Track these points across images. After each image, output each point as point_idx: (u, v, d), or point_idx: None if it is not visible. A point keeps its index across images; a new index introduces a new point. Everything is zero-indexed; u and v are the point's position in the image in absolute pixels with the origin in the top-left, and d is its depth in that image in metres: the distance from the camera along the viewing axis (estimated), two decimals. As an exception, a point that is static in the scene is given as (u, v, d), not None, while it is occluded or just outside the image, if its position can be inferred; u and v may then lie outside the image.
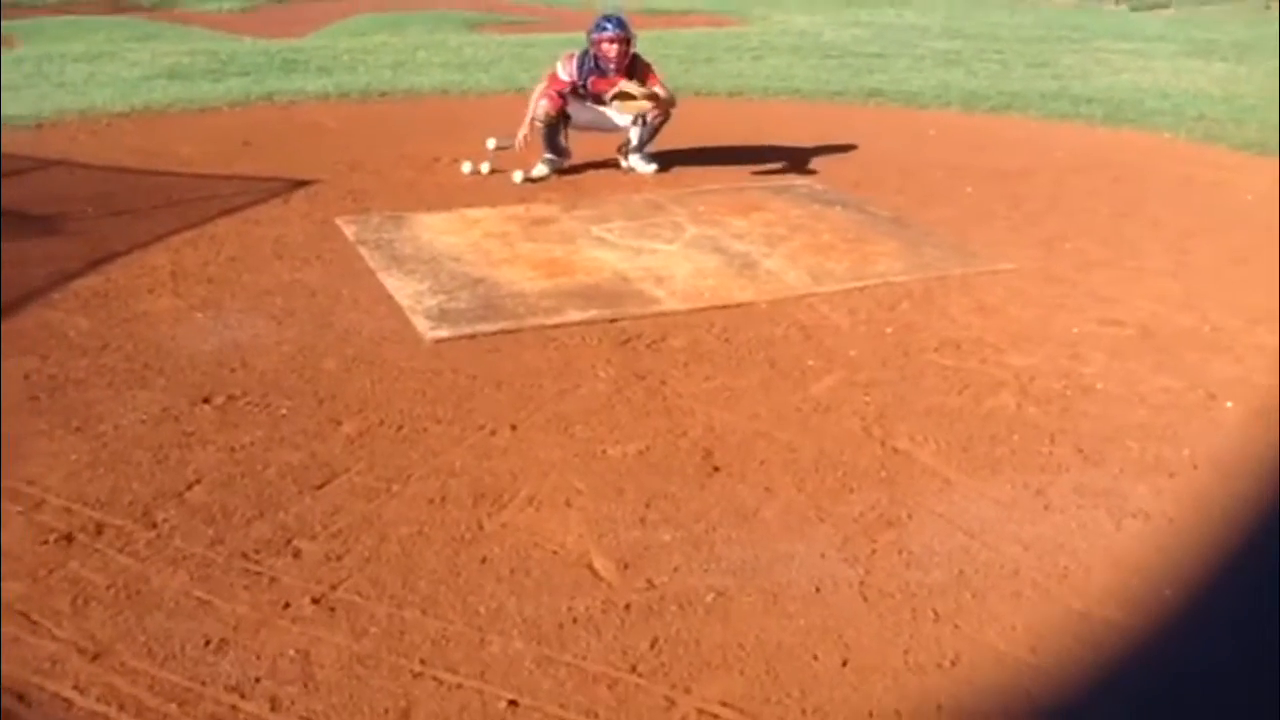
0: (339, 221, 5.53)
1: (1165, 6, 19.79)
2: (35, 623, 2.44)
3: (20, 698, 2.21)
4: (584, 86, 6.47)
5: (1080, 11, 19.57)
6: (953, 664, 2.40)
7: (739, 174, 6.73)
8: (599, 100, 6.52)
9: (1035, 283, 4.84)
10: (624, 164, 6.81)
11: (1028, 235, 5.56)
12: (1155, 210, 6.08)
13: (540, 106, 6.43)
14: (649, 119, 6.53)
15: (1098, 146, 7.90)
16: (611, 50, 6.36)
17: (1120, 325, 4.35)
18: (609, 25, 6.36)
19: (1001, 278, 4.90)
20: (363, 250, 5.08)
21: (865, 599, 2.61)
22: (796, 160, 7.01)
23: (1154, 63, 12.27)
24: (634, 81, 6.38)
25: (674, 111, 6.56)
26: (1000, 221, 5.83)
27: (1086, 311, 4.49)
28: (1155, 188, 6.64)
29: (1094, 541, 2.88)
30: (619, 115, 6.56)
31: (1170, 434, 3.47)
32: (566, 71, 6.46)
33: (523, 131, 6.49)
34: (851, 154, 7.36)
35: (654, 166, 6.76)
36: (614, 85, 6.44)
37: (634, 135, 6.72)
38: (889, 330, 4.28)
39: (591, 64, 6.43)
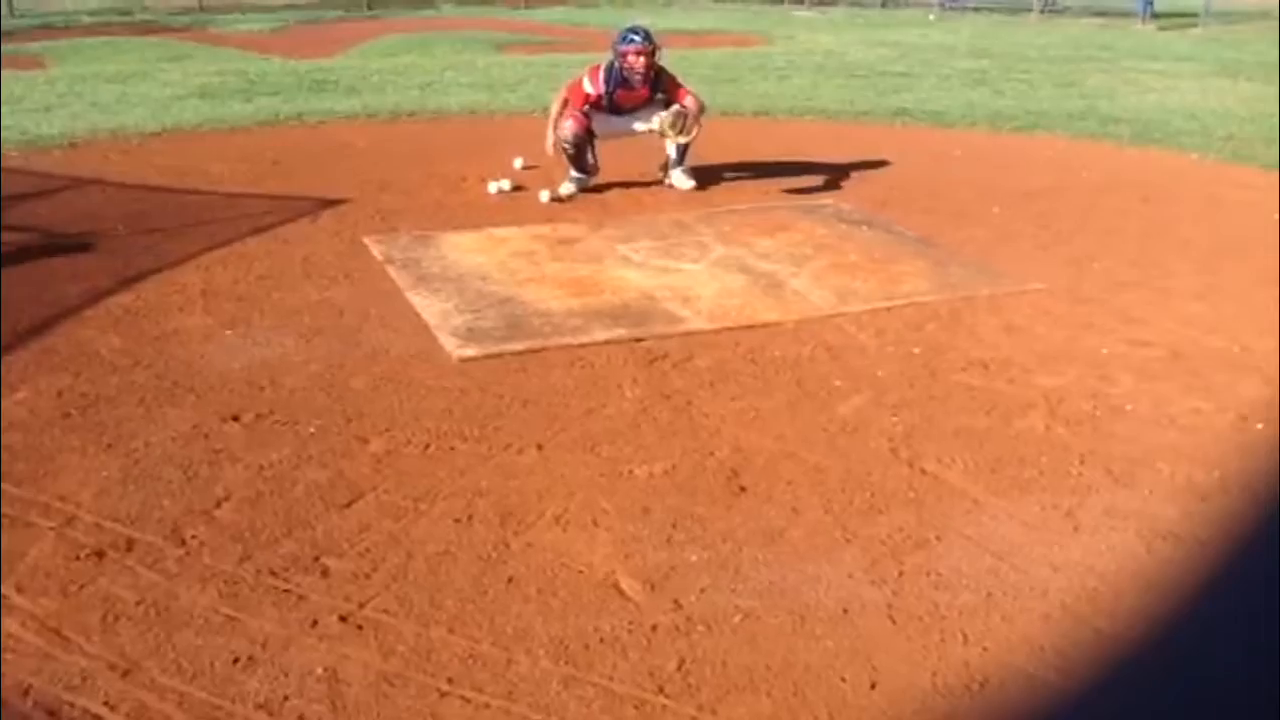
0: (367, 240, 5.57)
1: (1193, 26, 19.70)
2: (66, 638, 2.46)
3: (51, 714, 2.22)
4: (610, 99, 6.50)
5: (1107, 31, 19.51)
6: (981, 687, 2.38)
7: (765, 194, 6.74)
8: (621, 111, 6.57)
9: (1063, 303, 4.82)
10: (665, 181, 6.84)
11: (1056, 255, 5.54)
12: (1184, 230, 6.04)
13: (566, 128, 6.46)
14: (688, 127, 6.56)
15: (1126, 166, 7.86)
16: (638, 63, 6.39)
17: (1149, 346, 4.32)
18: (635, 38, 6.41)
19: (1029, 298, 4.88)
20: (390, 269, 5.11)
21: (893, 621, 2.60)
22: (822, 180, 7.02)
23: (1182, 82, 12.22)
24: (672, 117, 6.43)
25: (702, 117, 6.60)
26: (1028, 241, 5.81)
27: (1115, 332, 4.46)
28: (1184, 208, 6.60)
29: (1124, 564, 2.85)
30: (641, 125, 6.59)
31: (1201, 456, 3.43)
32: (594, 85, 6.49)
33: (550, 140, 6.53)
34: (877, 173, 7.36)
35: (693, 183, 6.79)
36: (640, 98, 6.50)
37: (672, 151, 6.77)
38: (916, 351, 4.26)
39: (618, 77, 6.46)
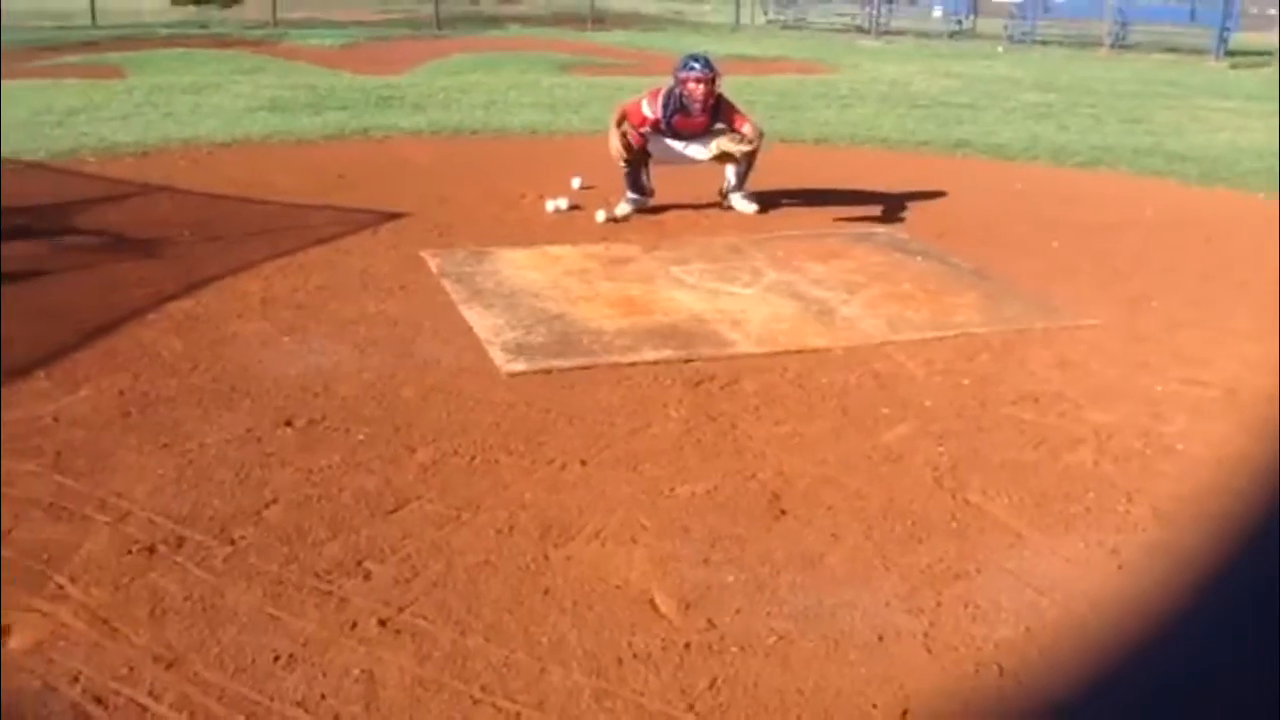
0: (424, 254, 5.66)
1: (1266, 65, 19.38)
2: (115, 629, 2.53)
3: (98, 700, 2.29)
4: (668, 124, 6.55)
5: (1178, 67, 19.27)
6: (1015, 721, 2.37)
7: (820, 220, 6.74)
8: (679, 137, 6.62)
9: (1119, 340, 4.77)
10: (725, 204, 6.89)
11: (1113, 292, 5.48)
12: (1246, 272, 5.94)
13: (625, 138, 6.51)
14: (739, 156, 6.59)
15: (1190, 205, 7.76)
16: (698, 90, 6.44)
17: (1205, 386, 4.26)
18: (696, 65, 6.45)
19: (1084, 333, 4.83)
20: (445, 283, 5.19)
21: (928, 650, 2.59)
22: (879, 208, 7.01)
23: (1252, 121, 12.02)
24: (728, 135, 6.49)
25: (762, 146, 6.63)
26: (1086, 277, 5.75)
27: (1170, 371, 4.41)
28: (1247, 249, 6.49)
29: (1167, 604, 2.82)
30: (698, 152, 6.64)
31: (1252, 499, 3.38)
32: (652, 109, 6.54)
33: (614, 141, 6.54)
34: (936, 204, 7.33)
35: (756, 206, 6.83)
36: (698, 125, 6.54)
37: (731, 175, 6.82)
38: (966, 382, 4.24)
39: (677, 103, 6.51)
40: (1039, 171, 8.83)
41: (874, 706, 2.38)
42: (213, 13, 22.39)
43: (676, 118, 6.54)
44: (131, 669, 2.39)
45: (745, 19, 27.19)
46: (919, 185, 7.75)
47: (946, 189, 7.75)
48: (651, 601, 2.73)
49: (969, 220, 6.91)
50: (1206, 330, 4.92)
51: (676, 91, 6.51)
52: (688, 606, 2.72)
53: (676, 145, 6.67)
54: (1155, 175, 8.71)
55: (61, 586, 2.68)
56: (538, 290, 5.12)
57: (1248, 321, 5.04)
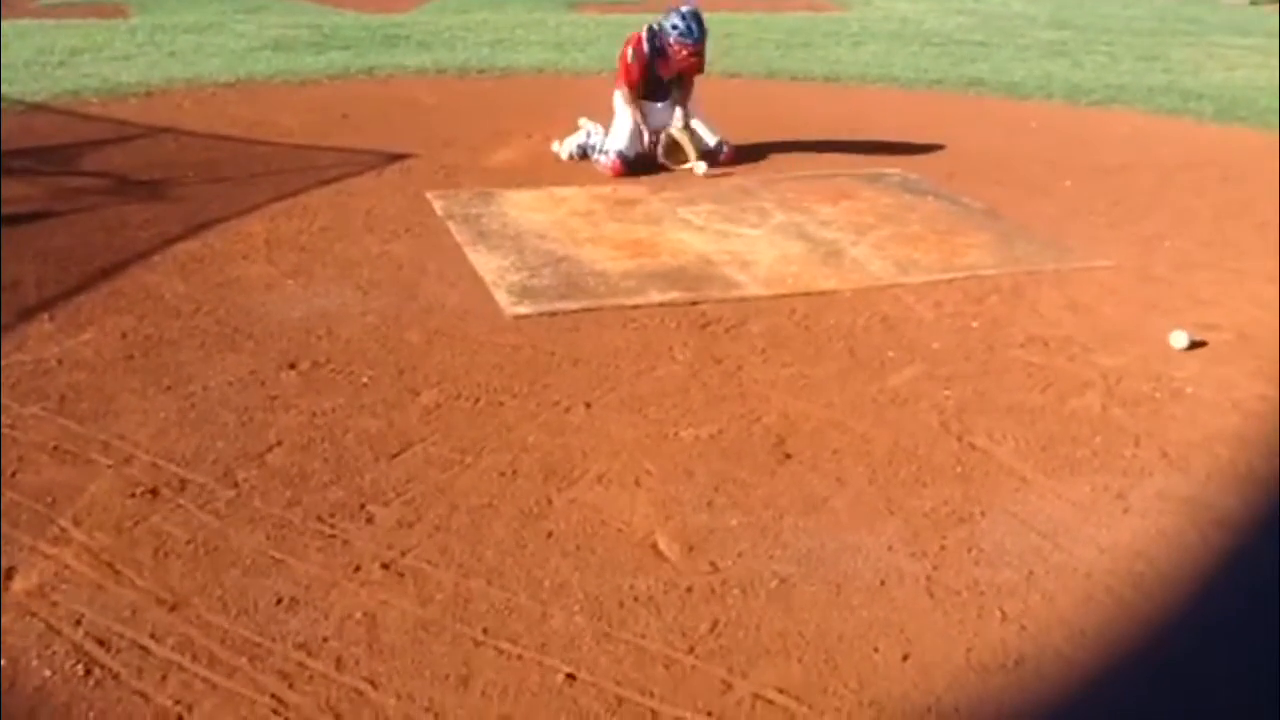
0: (429, 196, 5.61)
1: (1289, 0, 18.98)
2: (118, 572, 2.54)
3: (100, 642, 2.30)
4: (651, 68, 6.35)
5: (1197, 4, 18.90)
6: (1016, 665, 2.36)
7: (830, 161, 6.65)
8: (660, 83, 6.44)
9: (1131, 281, 4.72)
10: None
11: (1126, 232, 5.41)
12: (1262, 211, 5.85)
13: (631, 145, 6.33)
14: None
15: (1206, 144, 7.65)
16: (686, 60, 6.23)
17: (1217, 329, 4.21)
18: (688, 36, 6.17)
19: (1096, 275, 4.78)
20: (451, 225, 5.15)
21: (931, 595, 2.58)
22: (890, 149, 6.91)
23: (1271, 59, 11.79)
24: (682, 131, 6.36)
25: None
26: (1099, 217, 5.68)
27: (1183, 313, 4.35)
28: (1263, 188, 6.38)
29: (1174, 549, 2.80)
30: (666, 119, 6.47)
31: (1264, 443, 3.35)
32: (638, 58, 6.31)
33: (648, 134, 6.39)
34: (947, 144, 7.22)
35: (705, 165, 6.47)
36: (672, 72, 6.39)
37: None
38: (974, 324, 4.21)
39: (660, 50, 6.29)
40: (1053, 110, 8.70)
41: (875, 650, 2.38)
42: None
43: (659, 61, 6.34)
44: (134, 611, 2.40)
45: (757, -46, 26.67)
46: (931, 125, 7.64)
47: (959, 128, 7.64)
48: (654, 545, 2.73)
49: (981, 160, 6.81)
50: (1220, 271, 4.86)
51: (659, 43, 6.27)
52: (690, 549, 2.71)
53: (660, 114, 6.48)
54: (1171, 114, 8.58)
55: (65, 529, 2.69)
56: (543, 232, 5.08)
57: (1262, 262, 4.97)
